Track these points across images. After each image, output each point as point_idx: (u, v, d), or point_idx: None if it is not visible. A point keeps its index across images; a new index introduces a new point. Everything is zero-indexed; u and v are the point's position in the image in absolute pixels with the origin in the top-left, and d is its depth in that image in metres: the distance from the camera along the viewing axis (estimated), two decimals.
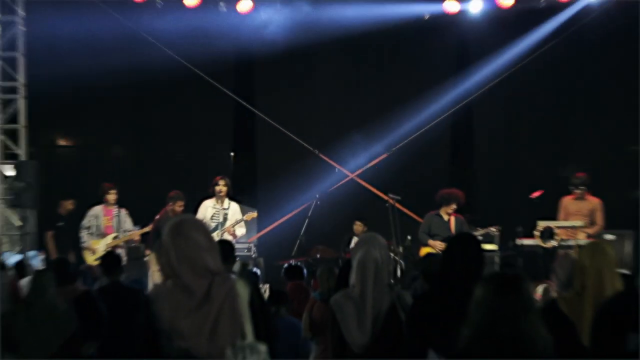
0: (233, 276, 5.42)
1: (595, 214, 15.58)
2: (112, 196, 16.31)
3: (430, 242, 15.35)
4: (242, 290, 5.36)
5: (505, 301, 5.00)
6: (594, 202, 15.64)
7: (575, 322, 6.29)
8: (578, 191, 15.65)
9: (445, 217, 15.62)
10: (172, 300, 5.23)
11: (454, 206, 15.59)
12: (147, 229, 16.14)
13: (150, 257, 15.50)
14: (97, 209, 16.32)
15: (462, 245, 6.66)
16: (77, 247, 16.26)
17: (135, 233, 16.26)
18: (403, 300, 6.79)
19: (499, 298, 5.02)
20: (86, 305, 9.38)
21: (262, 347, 4.43)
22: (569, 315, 6.31)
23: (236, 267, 9.50)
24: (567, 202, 15.77)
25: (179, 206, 15.84)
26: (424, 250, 15.11)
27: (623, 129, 18.34)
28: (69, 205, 16.99)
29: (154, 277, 14.98)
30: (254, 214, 16.33)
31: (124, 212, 16.35)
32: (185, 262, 5.24)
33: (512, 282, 5.10)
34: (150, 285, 14.57)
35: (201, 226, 5.38)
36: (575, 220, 15.41)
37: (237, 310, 5.25)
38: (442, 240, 14.93)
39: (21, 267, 11.62)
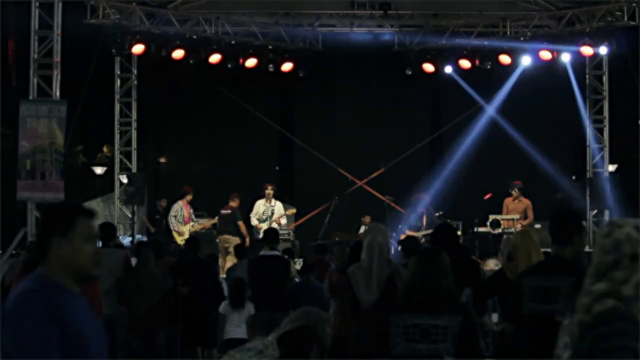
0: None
1: (527, 210, 15.48)
2: (189, 196, 16.03)
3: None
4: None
5: (427, 265, 5.04)
6: (526, 202, 15.56)
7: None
8: (515, 194, 15.56)
9: (419, 211, 15.39)
10: None
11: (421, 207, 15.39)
12: (214, 221, 15.81)
13: (220, 240, 15.20)
14: (180, 203, 15.81)
15: (446, 230, 7.21)
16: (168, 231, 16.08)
17: (207, 223, 16.03)
18: (398, 270, 6.77)
19: (423, 264, 5.06)
20: (177, 271, 9.47)
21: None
22: (510, 278, 6.23)
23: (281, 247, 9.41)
24: (508, 202, 15.67)
25: (237, 203, 15.55)
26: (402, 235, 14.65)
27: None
28: (162, 203, 16.89)
29: (223, 254, 14.81)
30: (293, 210, 16.20)
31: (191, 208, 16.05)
32: None
33: (433, 253, 5.20)
34: (220, 260, 14.41)
35: None
36: (514, 214, 15.34)
37: None
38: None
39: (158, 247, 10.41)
